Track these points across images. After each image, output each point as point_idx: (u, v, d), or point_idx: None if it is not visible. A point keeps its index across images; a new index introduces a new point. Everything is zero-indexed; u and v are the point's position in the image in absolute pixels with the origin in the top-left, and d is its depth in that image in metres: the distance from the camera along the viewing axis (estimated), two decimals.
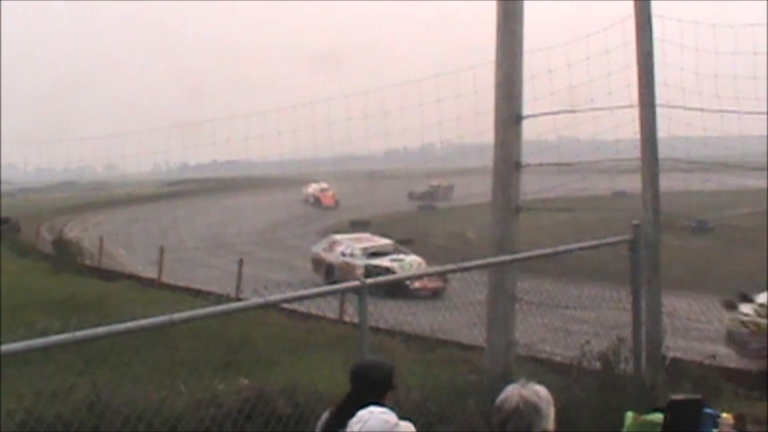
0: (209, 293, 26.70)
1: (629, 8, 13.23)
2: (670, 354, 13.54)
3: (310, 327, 21.11)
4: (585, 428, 10.68)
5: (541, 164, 14.49)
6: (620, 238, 12.82)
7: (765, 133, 15.25)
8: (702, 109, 13.57)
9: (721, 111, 13.68)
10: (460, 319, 12.73)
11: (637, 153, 13.39)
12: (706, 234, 48.76)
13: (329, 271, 39.79)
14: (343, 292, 11.20)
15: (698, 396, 5.69)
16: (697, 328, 20.88)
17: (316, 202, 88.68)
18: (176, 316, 8.21)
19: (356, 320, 10.15)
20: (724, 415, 5.68)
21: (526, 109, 13.72)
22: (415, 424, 5.64)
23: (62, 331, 7.63)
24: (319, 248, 43.97)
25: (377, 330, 12.75)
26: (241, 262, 34.71)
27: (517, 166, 13.52)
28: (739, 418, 5.84)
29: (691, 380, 13.01)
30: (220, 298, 11.39)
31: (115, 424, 9.22)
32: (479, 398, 11.11)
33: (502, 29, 13.49)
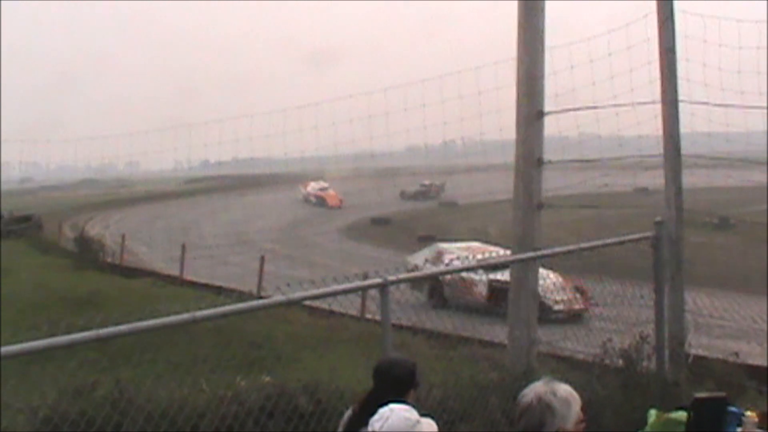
0: (231, 290, 26.74)
1: (651, 4, 13.19)
2: (693, 351, 13.50)
3: (331, 324, 21.12)
4: (607, 426, 10.65)
5: (562, 161, 14.46)
6: (643, 234, 12.79)
7: None
8: (725, 105, 13.50)
9: (744, 107, 13.61)
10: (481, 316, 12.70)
11: (659, 149, 13.35)
12: (728, 230, 48.55)
13: (435, 289, 26.94)
14: (364, 290, 11.20)
15: (722, 394, 5.65)
16: (720, 326, 20.77)
17: (320, 201, 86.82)
18: (199, 313, 8.21)
19: (378, 317, 10.15)
20: (749, 413, 5.64)
21: (548, 106, 13.70)
22: (436, 422, 5.63)
23: (85, 328, 7.63)
24: (418, 259, 31.22)
25: (399, 327, 12.74)
26: (262, 260, 34.75)
27: (539, 162, 13.49)
28: (764, 417, 5.80)
29: (714, 378, 12.96)
30: (242, 296, 11.40)
31: (138, 421, 9.25)
32: (501, 396, 11.09)
33: (523, 26, 13.46)
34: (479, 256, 26.11)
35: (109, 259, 43.88)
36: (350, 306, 18.84)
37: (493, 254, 24.62)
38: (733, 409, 5.52)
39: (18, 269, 36.90)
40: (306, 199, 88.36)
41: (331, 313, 20.67)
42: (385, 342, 9.31)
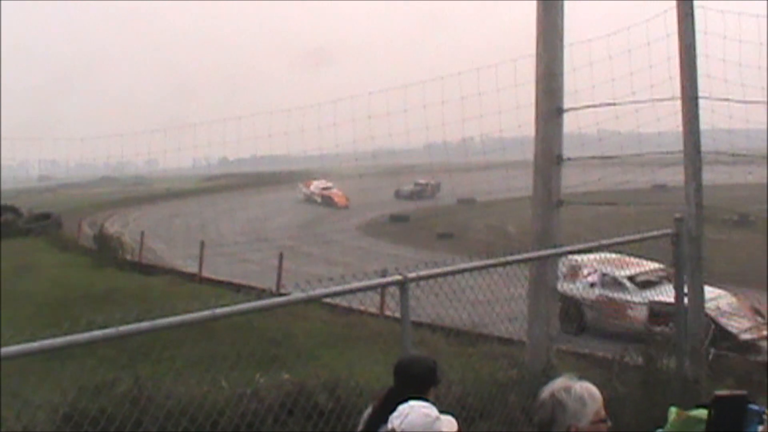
0: (250, 288, 26.78)
1: (671, 2, 13.16)
2: (713, 349, 13.48)
3: (350, 321, 21.15)
4: (627, 423, 10.63)
5: (582, 158, 14.44)
6: (663, 231, 12.75)
7: None
8: (745, 101, 13.46)
9: (765, 102, 13.56)
10: (500, 313, 12.68)
11: (679, 146, 13.31)
12: (748, 227, 48.36)
13: (570, 312, 21.98)
14: (384, 287, 11.19)
15: (743, 392, 5.63)
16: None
17: (326, 201, 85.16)
18: (218, 310, 8.21)
19: (397, 314, 10.15)
20: None
21: (567, 102, 13.67)
22: (456, 419, 5.63)
23: (105, 326, 7.65)
24: None
25: (418, 324, 12.75)
26: (281, 257, 34.76)
27: (558, 159, 13.46)
28: None
29: (734, 376, 12.94)
30: (261, 293, 11.41)
31: (158, 418, 9.27)
32: (520, 393, 11.10)
33: (542, 22, 13.43)
34: (635, 270, 23.43)
35: (127, 257, 43.89)
36: (369, 303, 18.87)
37: (638, 268, 22.77)
38: (754, 407, 5.50)
39: (37, 266, 37.05)
40: (309, 199, 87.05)
41: (351, 310, 20.69)
42: (405, 339, 9.31)
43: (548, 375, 10.74)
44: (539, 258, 12.74)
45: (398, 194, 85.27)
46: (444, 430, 5.41)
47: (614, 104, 14.04)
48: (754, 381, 12.81)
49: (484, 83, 15.53)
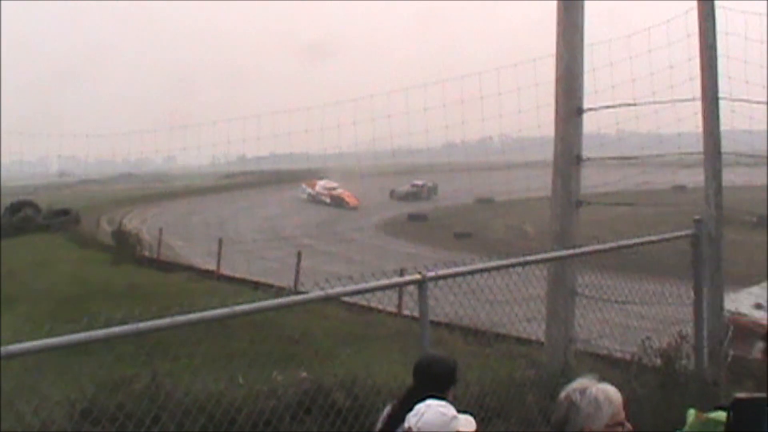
0: (268, 285, 26.78)
1: (692, 2, 13.12)
2: (732, 351, 13.42)
3: (368, 320, 21.16)
4: (645, 425, 10.60)
5: (601, 158, 14.41)
6: (682, 233, 12.71)
7: None
8: (767, 102, 13.40)
9: None
10: (519, 313, 12.66)
11: (699, 147, 13.27)
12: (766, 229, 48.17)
13: None
14: (403, 285, 11.18)
15: (763, 395, 5.61)
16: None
17: (336, 201, 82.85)
18: (237, 307, 8.23)
19: (415, 313, 10.15)
20: None
21: (587, 103, 13.64)
22: (473, 419, 5.63)
23: (124, 322, 7.68)
24: (744, 303, 20.87)
25: (436, 324, 12.74)
26: (299, 255, 34.81)
27: (578, 159, 13.44)
28: None
29: (753, 378, 12.87)
30: (280, 291, 11.40)
31: (176, 415, 9.30)
32: (538, 393, 11.08)
33: (563, 22, 13.41)
34: None
35: (146, 254, 44.02)
36: (388, 302, 18.86)
37: None
38: None
39: (56, 262, 37.18)
40: (315, 199, 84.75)
41: (370, 309, 20.66)
42: (423, 339, 9.31)
43: (566, 376, 10.73)
44: (558, 258, 12.71)
45: (393, 195, 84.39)
46: (461, 429, 5.41)
47: (634, 104, 14.01)
48: None
49: (505, 82, 15.53)
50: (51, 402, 10.19)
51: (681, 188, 41.15)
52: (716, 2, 12.98)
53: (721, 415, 5.44)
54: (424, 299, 9.31)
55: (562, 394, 5.04)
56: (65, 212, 60.11)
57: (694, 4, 13.04)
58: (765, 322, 16.86)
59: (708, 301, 12.64)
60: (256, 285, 30.42)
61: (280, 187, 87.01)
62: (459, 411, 5.58)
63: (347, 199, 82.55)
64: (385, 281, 9.71)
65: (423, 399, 5.63)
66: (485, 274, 10.58)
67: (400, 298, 21.50)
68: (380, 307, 19.27)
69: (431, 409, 5.46)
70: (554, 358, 12.85)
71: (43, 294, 28.01)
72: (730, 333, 13.49)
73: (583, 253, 12.62)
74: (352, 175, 68.64)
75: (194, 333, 11.17)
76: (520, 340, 15.46)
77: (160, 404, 9.39)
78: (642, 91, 13.91)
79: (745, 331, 15.43)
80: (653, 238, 12.75)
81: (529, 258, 11.09)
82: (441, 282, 9.80)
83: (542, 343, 13.80)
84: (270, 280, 30.89)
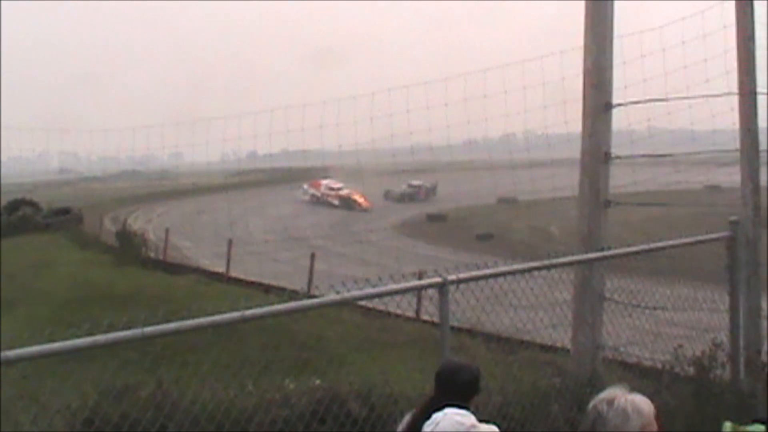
0: (280, 289, 26.78)
1: None
2: None
3: (385, 325, 21.15)
4: None
5: (631, 156, 14.36)
6: (717, 235, 12.65)
7: None
8: None
9: None
10: (543, 318, 12.63)
11: (735, 144, 13.22)
12: None
13: None
14: (422, 289, 11.17)
15: None
16: None
17: (346, 203, 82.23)
18: (248, 312, 8.22)
19: (435, 318, 10.13)
20: None
21: (617, 97, 13.59)
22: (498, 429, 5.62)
23: (129, 327, 7.67)
24: None
25: (457, 329, 12.73)
26: (313, 257, 34.83)
27: (606, 157, 13.39)
28: None
29: None
30: (293, 294, 11.41)
31: (184, 424, 9.30)
32: (564, 403, 11.06)
33: (590, 13, 13.36)
34: None
35: (151, 255, 44.13)
36: (406, 307, 18.88)
37: None
38: None
39: (57, 264, 37.29)
40: (319, 200, 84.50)
41: (386, 313, 20.68)
42: (444, 345, 9.29)
43: (594, 385, 10.72)
44: (585, 261, 12.67)
45: (388, 196, 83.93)
46: None
47: (666, 100, 13.97)
48: None
49: (530, 77, 15.48)
50: (51, 411, 10.20)
51: (716, 188, 40.97)
52: None
53: (759, 428, 5.43)
54: (445, 303, 9.28)
55: (590, 405, 5.02)
56: (66, 211, 60.30)
57: None
58: None
59: (745, 307, 12.58)
60: (267, 288, 30.49)
61: (292, 185, 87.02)
62: (481, 420, 5.58)
63: (358, 200, 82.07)
64: (403, 284, 9.70)
65: (444, 408, 5.63)
66: (509, 278, 10.57)
67: (418, 302, 21.50)
68: (398, 311, 19.27)
69: (447, 418, 5.47)
70: (581, 367, 12.81)
71: (43, 297, 28.11)
72: None
73: (611, 256, 12.58)
74: (360, 174, 68.37)
75: (203, 338, 11.24)
76: (545, 348, 15.45)
77: (167, 413, 9.39)
78: (675, 85, 13.86)
79: None
80: (686, 240, 12.69)
81: (555, 261, 11.07)
82: (462, 285, 9.77)
83: (568, 351, 13.76)
84: (282, 283, 30.94)
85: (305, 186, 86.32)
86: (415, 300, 21.34)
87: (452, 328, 9.90)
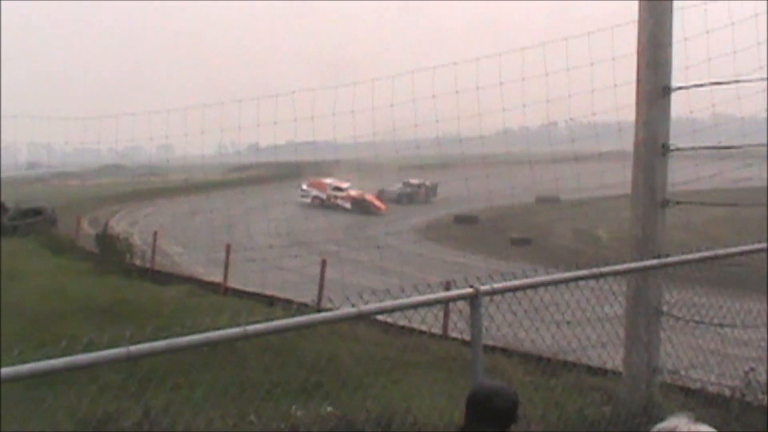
0: (286, 301, 26.81)
1: None
2: None
3: (408, 343, 21.14)
4: None
5: (693, 148, 14.32)
6: None
7: None
8: None
9: None
10: (591, 336, 12.61)
11: None
12: None
13: None
14: (450, 301, 11.16)
15: None
16: None
17: (360, 206, 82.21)
18: (251, 328, 8.19)
19: (465, 335, 10.13)
20: None
21: (676, 80, 13.55)
22: None
23: (111, 345, 7.65)
24: None
25: (490, 348, 12.73)
26: (324, 264, 34.83)
27: (664, 149, 13.36)
28: None
29: None
30: (302, 308, 11.39)
31: None
32: None
33: None
34: None
35: (137, 262, 44.16)
36: (432, 322, 18.88)
37: None
38: None
39: (26, 273, 37.30)
40: (323, 204, 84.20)
41: (408, 330, 20.63)
42: (476, 366, 9.26)
43: (649, 414, 10.70)
44: (639, 270, 12.64)
45: (382, 194, 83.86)
46: None
47: (735, 82, 13.91)
48: None
49: (575, 56, 15.45)
50: None
51: None
52: None
53: None
54: (477, 318, 9.25)
55: None
56: (37, 212, 60.27)
57: None
58: None
59: None
60: (271, 300, 30.54)
61: (300, 182, 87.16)
62: None
63: (375, 203, 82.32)
64: (429, 296, 9.66)
65: None
66: (550, 289, 10.55)
67: (445, 316, 21.49)
68: (423, 327, 19.26)
69: None
70: (635, 392, 12.78)
71: (11, 311, 28.11)
72: None
73: (670, 264, 12.53)
74: (369, 170, 68.10)
75: (197, 359, 11.22)
76: (592, 370, 15.43)
77: None
78: (745, 65, 13.81)
79: None
80: (758, 246, 12.63)
81: (603, 269, 11.03)
82: (497, 297, 9.75)
83: (620, 374, 13.73)
84: (289, 295, 30.98)
85: (304, 186, 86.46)
86: (441, 314, 21.34)
87: (485, 346, 9.89)
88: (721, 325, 12.92)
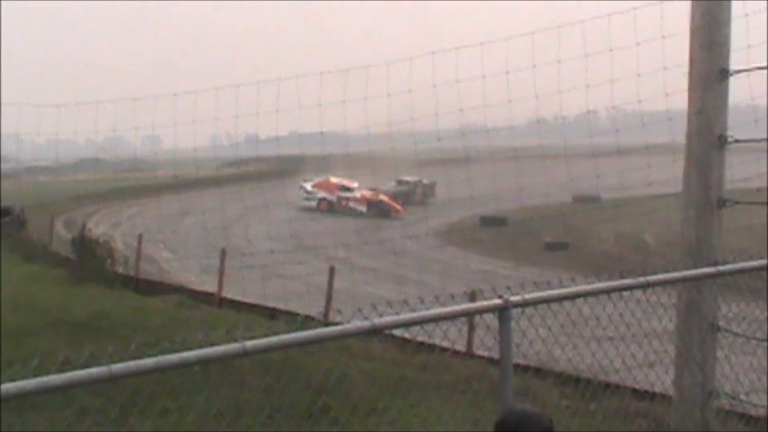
0: (289, 313, 26.82)
1: None
2: None
3: (427, 362, 21.16)
4: None
5: (755, 140, 14.29)
6: None
7: None
8: None
9: None
10: (636, 354, 12.60)
11: None
12: None
13: None
14: (477, 314, 11.15)
15: None
16: None
17: (378, 209, 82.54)
18: (249, 343, 8.18)
19: (492, 353, 10.12)
20: None
21: (735, 62, 13.51)
22: None
23: (91, 364, 7.61)
24: None
25: (522, 368, 12.72)
26: (332, 271, 34.86)
27: (721, 141, 13.30)
28: None
29: None
30: (308, 321, 11.35)
31: None
32: None
33: None
34: None
35: (119, 270, 44.21)
36: (455, 338, 18.93)
37: None
38: None
39: None
40: (332, 207, 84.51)
41: (428, 346, 20.65)
42: (505, 387, 9.24)
43: None
44: (692, 279, 12.60)
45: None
46: None
47: None
48: None
49: (618, 35, 15.41)
50: None
51: None
52: None
53: None
54: (507, 333, 9.22)
55: None
56: (4, 212, 60.35)
57: None
58: None
59: None
60: (272, 312, 30.59)
61: (304, 179, 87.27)
62: None
63: (393, 205, 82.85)
64: (452, 308, 9.65)
65: None
66: (589, 300, 10.53)
67: (470, 331, 21.53)
68: (444, 343, 19.28)
69: None
70: (687, 419, 12.77)
71: None
72: None
73: (728, 273, 12.50)
74: (375, 165, 68.02)
75: (188, 379, 11.22)
76: (638, 393, 15.42)
77: None
78: None
79: None
80: None
81: (651, 278, 11.01)
82: (529, 310, 9.73)
83: (670, 398, 13.72)
84: (292, 306, 31.01)
85: (309, 187, 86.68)
86: (466, 329, 21.36)
87: (516, 365, 9.88)
88: None
